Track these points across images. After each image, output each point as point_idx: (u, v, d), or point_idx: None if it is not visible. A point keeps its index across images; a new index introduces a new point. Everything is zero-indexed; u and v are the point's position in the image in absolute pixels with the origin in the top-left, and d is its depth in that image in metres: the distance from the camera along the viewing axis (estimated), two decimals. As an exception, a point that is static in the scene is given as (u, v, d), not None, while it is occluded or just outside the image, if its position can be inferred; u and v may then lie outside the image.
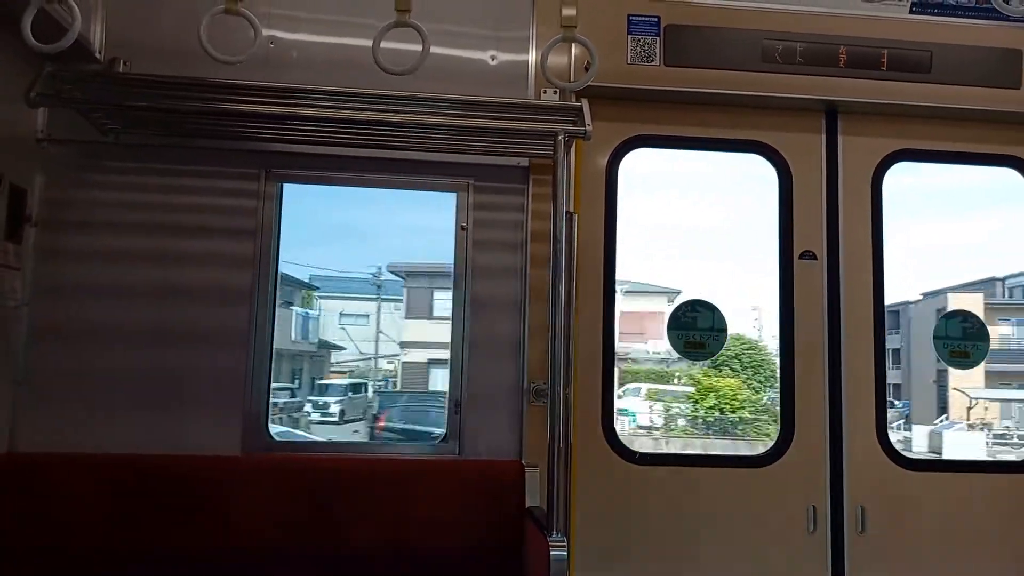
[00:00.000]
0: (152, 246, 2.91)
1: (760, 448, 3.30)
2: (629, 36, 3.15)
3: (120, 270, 2.88)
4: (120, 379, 2.83)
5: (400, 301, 7.63)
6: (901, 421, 9.13)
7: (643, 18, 3.16)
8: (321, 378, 8.22)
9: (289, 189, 3.04)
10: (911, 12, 3.28)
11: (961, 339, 3.40)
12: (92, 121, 2.80)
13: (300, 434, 7.14)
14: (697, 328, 3.29)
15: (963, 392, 9.86)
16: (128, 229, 2.91)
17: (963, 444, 9.12)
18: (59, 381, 2.81)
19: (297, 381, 7.95)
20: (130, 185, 2.94)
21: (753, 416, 7.62)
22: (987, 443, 9.22)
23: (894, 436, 3.31)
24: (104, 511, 2.68)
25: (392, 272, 7.50)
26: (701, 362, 3.44)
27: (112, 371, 2.83)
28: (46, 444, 2.74)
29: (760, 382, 8.05)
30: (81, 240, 2.89)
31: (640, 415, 8.18)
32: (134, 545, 2.67)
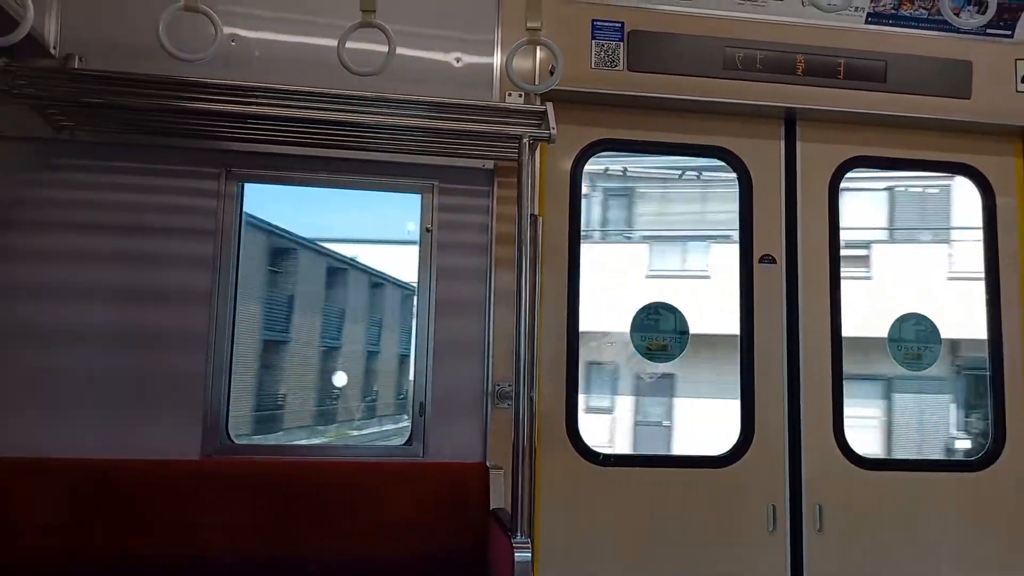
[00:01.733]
0: (109, 246, 2.84)
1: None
2: (593, 41, 3.18)
3: (76, 270, 2.82)
4: (77, 381, 2.77)
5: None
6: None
7: (607, 23, 3.19)
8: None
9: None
10: (867, 22, 3.36)
11: (914, 342, 3.49)
12: (46, 118, 2.74)
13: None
14: (659, 331, 3.33)
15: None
16: (84, 228, 2.84)
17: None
18: (13, 383, 2.73)
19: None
20: (86, 184, 2.88)
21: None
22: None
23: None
24: (62, 517, 2.62)
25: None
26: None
27: (68, 373, 2.77)
28: (1, 447, 2.66)
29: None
30: (35, 239, 2.81)
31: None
32: (93, 551, 2.61)
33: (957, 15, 3.18)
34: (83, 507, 2.64)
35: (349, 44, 2.52)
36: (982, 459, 3.40)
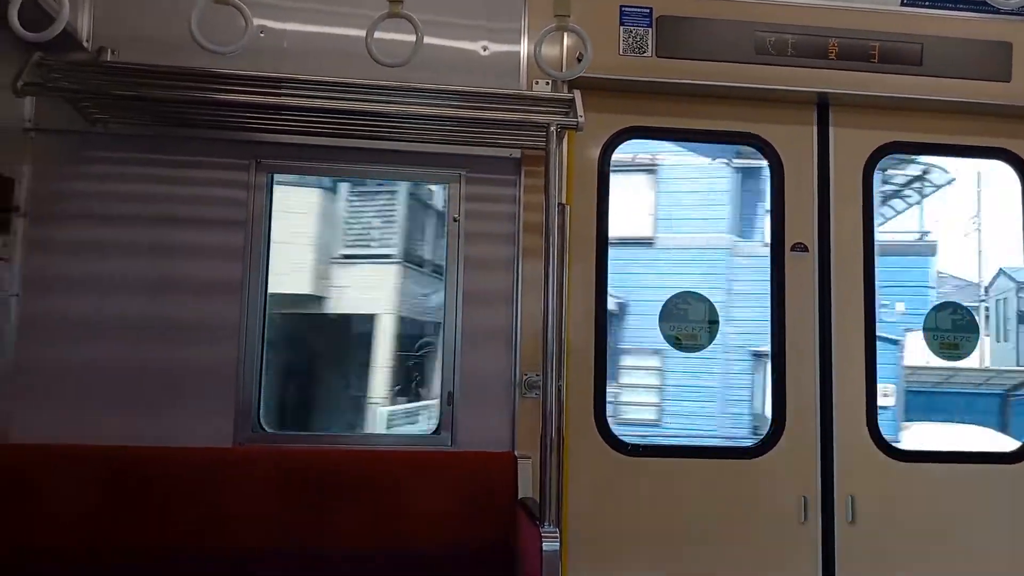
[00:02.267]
0: (141, 237, 2.89)
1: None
2: (621, 27, 3.14)
3: (109, 261, 2.86)
4: (110, 370, 2.81)
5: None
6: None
7: (635, 9, 3.15)
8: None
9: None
10: (902, 5, 3.29)
11: (951, 331, 3.42)
12: (80, 110, 2.78)
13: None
14: (688, 320, 3.30)
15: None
16: (117, 219, 2.89)
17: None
18: (48, 372, 2.79)
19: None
20: (118, 175, 2.92)
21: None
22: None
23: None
24: (95, 503, 2.66)
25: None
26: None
27: (102, 362, 2.82)
28: (35, 436, 2.72)
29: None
30: (70, 230, 2.86)
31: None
32: (126, 537, 2.65)
33: (997, -5, 3.10)
34: (113, 494, 2.68)
35: (376, 34, 2.52)
36: (1018, 451, 3.33)
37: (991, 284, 7.85)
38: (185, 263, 2.89)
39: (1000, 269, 7.77)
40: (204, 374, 2.86)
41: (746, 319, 4.92)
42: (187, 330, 2.86)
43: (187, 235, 2.91)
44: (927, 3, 3.30)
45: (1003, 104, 3.30)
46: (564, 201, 2.98)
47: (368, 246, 4.89)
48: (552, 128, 2.65)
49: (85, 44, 2.82)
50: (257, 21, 2.79)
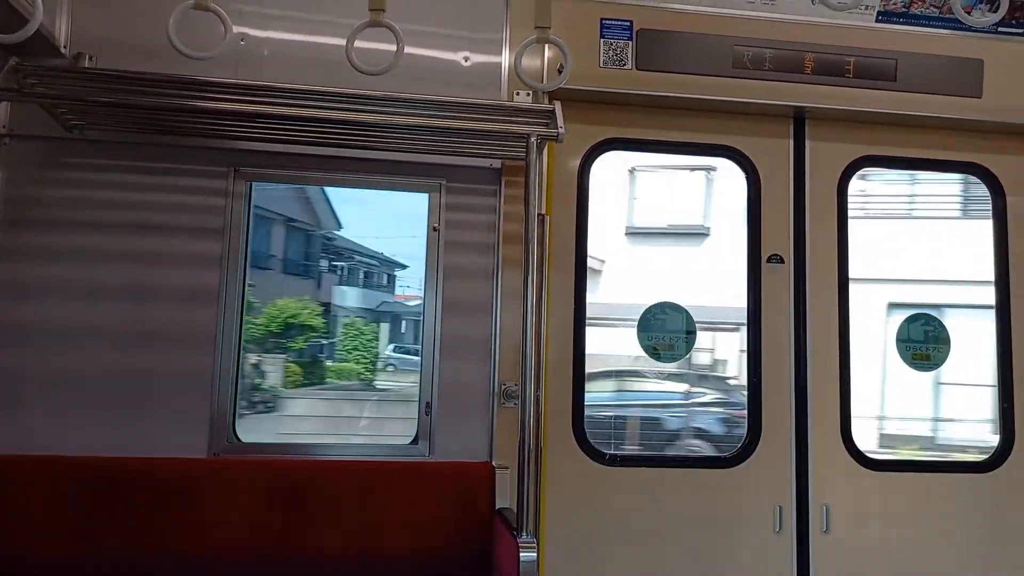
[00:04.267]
0: (118, 244, 2.86)
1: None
2: (602, 40, 3.17)
3: (85, 268, 2.83)
4: (84, 379, 2.78)
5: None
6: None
7: (616, 22, 3.18)
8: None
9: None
10: (877, 21, 3.34)
11: (922, 342, 3.47)
12: (56, 116, 2.75)
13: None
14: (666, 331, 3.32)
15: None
16: (93, 226, 2.86)
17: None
18: (22, 381, 2.75)
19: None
20: (95, 182, 2.89)
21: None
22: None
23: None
24: (69, 514, 2.63)
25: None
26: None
27: (76, 371, 2.78)
28: (9, 446, 2.68)
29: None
30: (45, 237, 2.83)
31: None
32: (99, 548, 2.62)
33: (969, 13, 3.17)
34: (89, 504, 2.65)
35: (357, 43, 2.52)
36: (990, 460, 3.38)
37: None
38: (162, 271, 2.87)
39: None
40: (180, 383, 2.83)
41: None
42: (164, 338, 2.84)
43: (164, 243, 2.88)
44: (901, 20, 3.35)
45: (975, 119, 3.36)
46: (544, 211, 3.00)
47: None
48: (532, 139, 2.66)
49: (62, 49, 2.79)
50: (237, 29, 2.78)
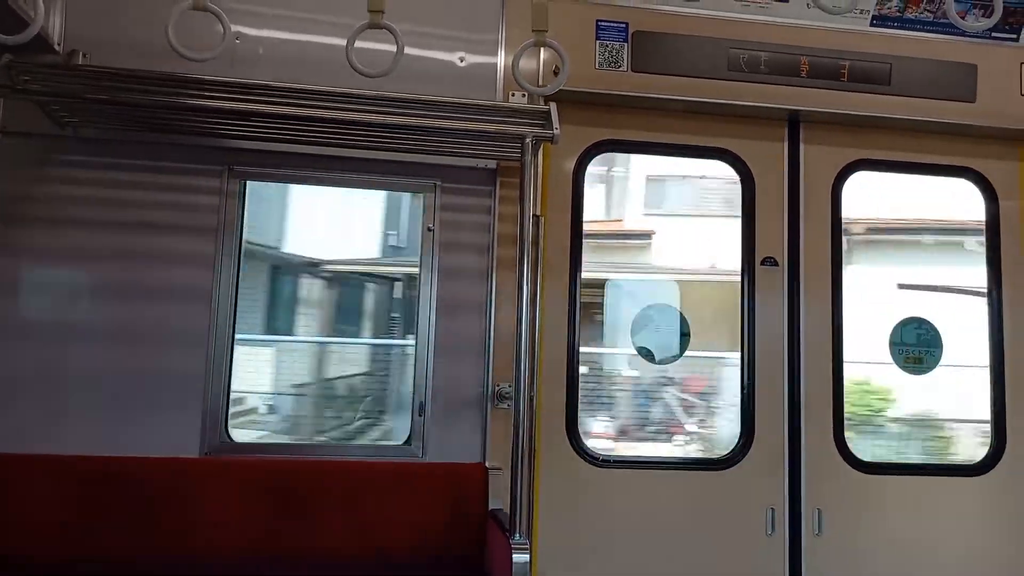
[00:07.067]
0: (111, 242, 2.84)
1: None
2: (597, 41, 3.17)
3: (78, 266, 2.82)
4: (77, 378, 2.77)
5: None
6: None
7: (611, 24, 3.18)
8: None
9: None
10: (871, 25, 3.35)
11: (915, 345, 3.48)
12: (50, 114, 2.74)
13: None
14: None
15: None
16: (86, 224, 2.84)
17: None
18: (15, 379, 2.74)
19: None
20: (88, 180, 2.88)
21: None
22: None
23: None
24: (63, 513, 2.62)
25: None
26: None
27: (69, 369, 2.77)
28: (2, 445, 2.66)
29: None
30: (38, 235, 2.81)
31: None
32: (92, 547, 2.61)
33: (963, 18, 3.18)
34: (81, 503, 2.64)
35: (356, 44, 2.51)
36: (982, 463, 3.39)
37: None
38: (155, 269, 2.85)
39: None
40: (172, 382, 2.82)
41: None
42: (157, 337, 2.82)
43: (157, 241, 2.87)
44: (895, 24, 3.37)
45: (968, 124, 3.38)
46: (538, 212, 3.00)
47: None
48: (528, 140, 2.67)
49: (56, 47, 2.78)
50: (234, 27, 2.76)
